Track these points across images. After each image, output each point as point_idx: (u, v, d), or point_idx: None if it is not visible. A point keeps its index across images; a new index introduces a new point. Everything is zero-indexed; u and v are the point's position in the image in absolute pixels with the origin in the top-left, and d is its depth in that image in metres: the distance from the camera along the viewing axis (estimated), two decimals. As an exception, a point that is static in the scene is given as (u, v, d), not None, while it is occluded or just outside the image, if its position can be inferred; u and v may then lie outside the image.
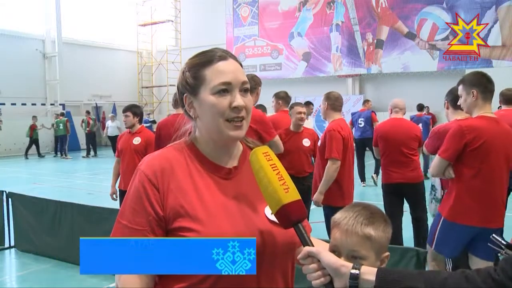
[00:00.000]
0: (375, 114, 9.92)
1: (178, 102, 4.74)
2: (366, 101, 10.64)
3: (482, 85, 2.92)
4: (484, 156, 2.83)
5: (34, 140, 16.82)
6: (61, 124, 16.92)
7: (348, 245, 1.13)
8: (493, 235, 1.64)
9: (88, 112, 18.14)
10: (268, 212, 1.15)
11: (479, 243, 2.87)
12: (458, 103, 3.11)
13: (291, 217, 1.08)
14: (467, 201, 2.88)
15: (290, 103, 5.18)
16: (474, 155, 2.84)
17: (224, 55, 1.20)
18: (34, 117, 16.99)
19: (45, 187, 10.15)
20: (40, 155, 17.03)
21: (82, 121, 17.66)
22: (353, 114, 10.43)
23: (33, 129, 16.65)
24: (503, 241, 1.58)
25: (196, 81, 1.18)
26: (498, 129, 2.87)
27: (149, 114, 20.48)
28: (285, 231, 1.14)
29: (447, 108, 3.52)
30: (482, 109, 2.92)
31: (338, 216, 1.20)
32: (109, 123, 16.70)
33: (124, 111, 5.05)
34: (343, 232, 1.15)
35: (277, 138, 3.68)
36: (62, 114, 17.45)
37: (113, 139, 16.35)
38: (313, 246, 1.10)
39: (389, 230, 1.19)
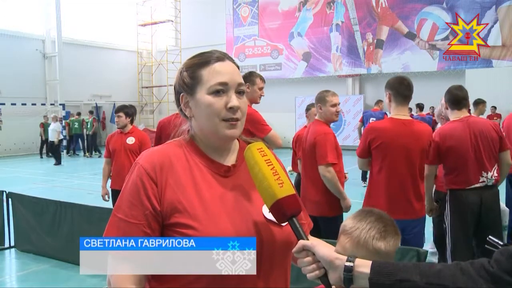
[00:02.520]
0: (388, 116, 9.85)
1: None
2: (379, 101, 10.49)
3: (395, 89, 3.17)
4: (385, 154, 3.13)
5: (45, 140, 16.89)
6: (76, 123, 17.49)
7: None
8: (490, 236, 1.65)
9: (91, 112, 18.38)
10: (266, 211, 1.15)
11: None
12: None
13: (286, 211, 1.09)
14: (375, 194, 3.20)
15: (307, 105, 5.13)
16: (376, 153, 3.17)
17: (222, 56, 1.21)
18: (45, 117, 17.12)
19: (45, 187, 10.15)
20: (48, 154, 17.05)
21: (86, 122, 17.91)
22: (364, 113, 10.39)
23: (42, 128, 16.79)
24: (499, 242, 1.60)
25: (193, 81, 1.19)
26: (403, 131, 3.11)
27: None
28: (283, 230, 1.15)
29: (446, 108, 3.55)
30: (395, 110, 3.20)
31: (350, 224, 1.18)
32: (52, 125, 15.52)
33: (117, 111, 5.12)
34: (354, 243, 1.15)
35: (271, 133, 3.58)
36: (78, 114, 18.05)
37: (53, 144, 15.42)
38: (308, 240, 1.11)
39: (398, 242, 1.18)
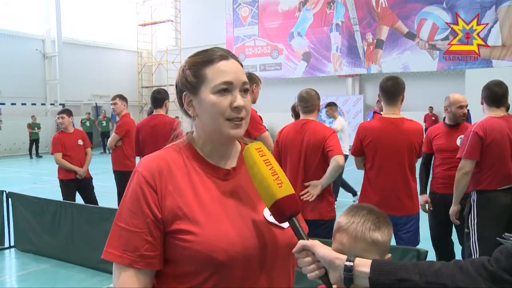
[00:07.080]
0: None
1: (157, 102, 4.80)
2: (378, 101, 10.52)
3: (381, 90, 3.30)
4: (374, 152, 3.26)
5: (32, 140, 16.93)
6: (104, 122, 18.62)
7: (355, 251, 1.13)
8: (505, 233, 1.66)
9: (90, 113, 19.19)
10: (267, 213, 1.15)
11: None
12: None
13: (285, 211, 1.09)
14: (367, 190, 3.32)
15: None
16: (367, 151, 3.31)
17: (226, 54, 1.18)
18: (33, 117, 17.10)
19: (45, 187, 10.14)
20: (38, 155, 17.08)
21: (97, 120, 19.15)
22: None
23: (29, 128, 16.88)
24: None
25: (196, 80, 1.17)
26: (390, 129, 3.22)
27: None
28: (285, 232, 1.15)
29: (482, 104, 3.38)
30: (385, 110, 3.33)
31: (344, 221, 1.19)
32: None
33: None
34: (352, 238, 1.16)
35: (265, 134, 3.62)
36: (88, 114, 19.24)
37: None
38: (308, 240, 1.11)
39: (391, 232, 1.22)
